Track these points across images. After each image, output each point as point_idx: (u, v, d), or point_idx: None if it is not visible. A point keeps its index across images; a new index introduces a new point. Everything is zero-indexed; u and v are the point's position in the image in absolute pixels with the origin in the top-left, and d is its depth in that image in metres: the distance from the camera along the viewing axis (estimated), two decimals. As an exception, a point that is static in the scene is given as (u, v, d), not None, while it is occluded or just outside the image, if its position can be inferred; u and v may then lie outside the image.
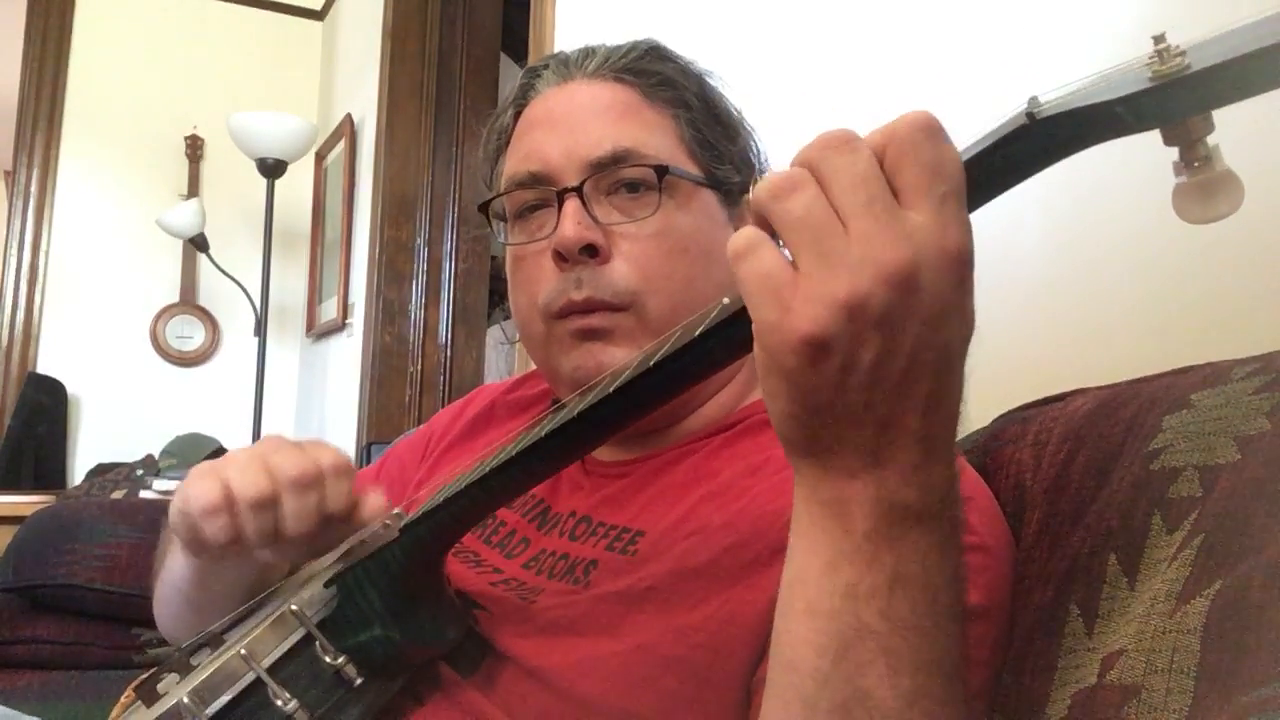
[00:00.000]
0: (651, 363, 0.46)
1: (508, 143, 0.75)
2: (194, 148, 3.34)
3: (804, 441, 0.39)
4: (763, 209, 0.38)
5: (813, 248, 0.36)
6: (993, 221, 0.91)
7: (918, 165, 0.36)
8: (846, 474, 0.39)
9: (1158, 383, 0.58)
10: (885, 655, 0.39)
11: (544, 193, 0.70)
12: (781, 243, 0.38)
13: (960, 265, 0.37)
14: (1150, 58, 0.34)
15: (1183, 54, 0.33)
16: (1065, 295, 0.85)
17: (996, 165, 0.38)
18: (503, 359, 3.26)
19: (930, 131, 0.36)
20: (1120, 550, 0.50)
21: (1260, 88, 0.32)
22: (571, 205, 0.67)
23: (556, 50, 0.79)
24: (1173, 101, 0.34)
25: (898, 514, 0.39)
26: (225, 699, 0.55)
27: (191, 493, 0.57)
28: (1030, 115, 0.37)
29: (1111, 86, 0.35)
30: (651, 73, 0.72)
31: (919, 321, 0.36)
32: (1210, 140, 0.35)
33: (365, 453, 2.66)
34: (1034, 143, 0.37)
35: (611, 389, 0.48)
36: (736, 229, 0.73)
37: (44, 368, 3.12)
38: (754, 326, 0.38)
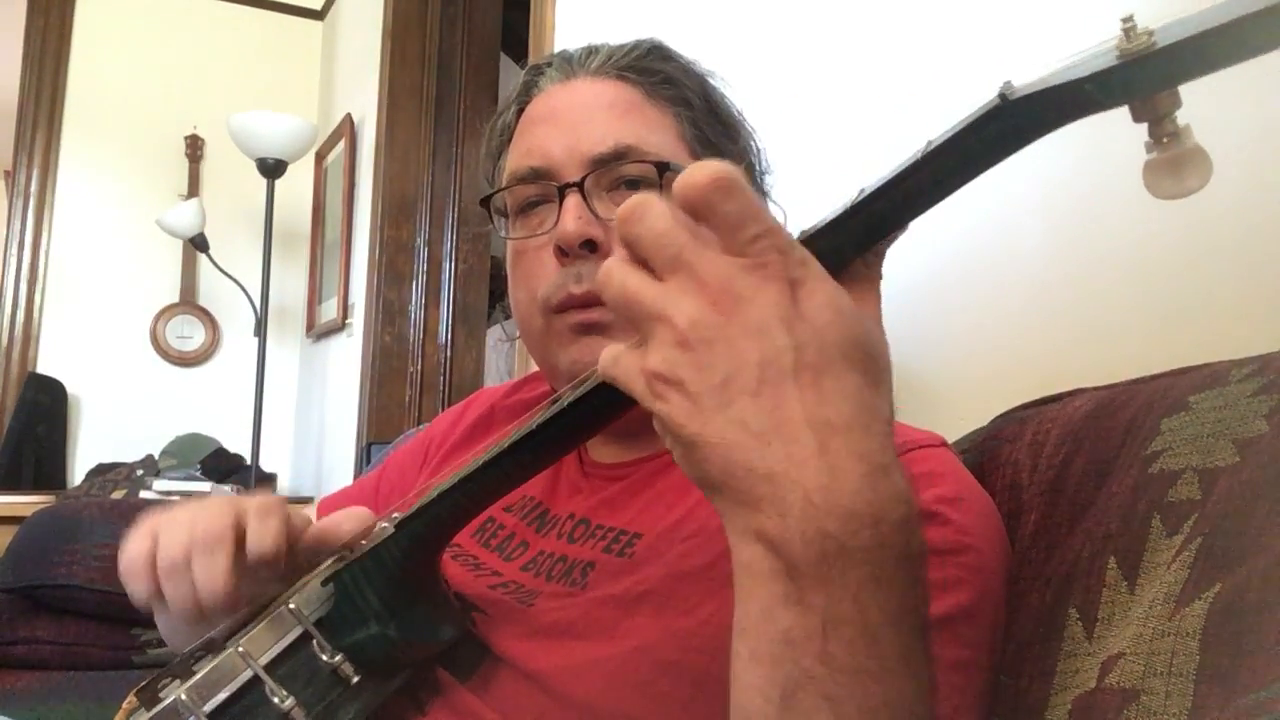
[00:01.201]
0: None
1: (510, 139, 0.75)
2: (194, 148, 3.34)
3: (701, 477, 0.38)
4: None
5: (639, 309, 0.39)
6: (993, 222, 0.91)
7: (719, 222, 0.38)
8: (750, 504, 0.37)
9: (1156, 384, 0.58)
10: (828, 701, 0.37)
11: (545, 188, 0.70)
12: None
13: (780, 282, 0.37)
14: (1118, 37, 0.35)
15: (1150, 33, 0.34)
16: (1065, 295, 0.85)
17: (973, 148, 0.38)
18: (503, 359, 3.25)
19: (722, 188, 0.37)
20: (1120, 553, 0.50)
21: (1223, 62, 0.33)
22: (572, 200, 0.67)
23: (557, 50, 0.79)
24: (1139, 77, 0.35)
25: (817, 547, 0.36)
26: (223, 696, 0.55)
27: (126, 551, 0.60)
28: (1003, 96, 0.37)
29: (1081, 66, 0.36)
30: (654, 71, 0.72)
31: (752, 332, 0.37)
32: (1179, 117, 0.36)
33: (365, 453, 2.66)
34: (1007, 123, 0.38)
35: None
36: None
37: (44, 368, 3.12)
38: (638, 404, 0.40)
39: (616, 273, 0.39)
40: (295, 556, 0.61)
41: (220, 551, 0.57)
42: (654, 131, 0.70)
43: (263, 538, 0.58)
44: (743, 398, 0.36)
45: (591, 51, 0.74)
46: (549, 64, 0.75)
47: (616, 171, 0.68)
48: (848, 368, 0.37)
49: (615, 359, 0.41)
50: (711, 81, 0.76)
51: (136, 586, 0.59)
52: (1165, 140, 0.36)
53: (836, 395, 0.37)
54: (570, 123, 0.70)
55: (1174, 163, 0.36)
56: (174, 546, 0.58)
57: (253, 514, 0.59)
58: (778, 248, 0.37)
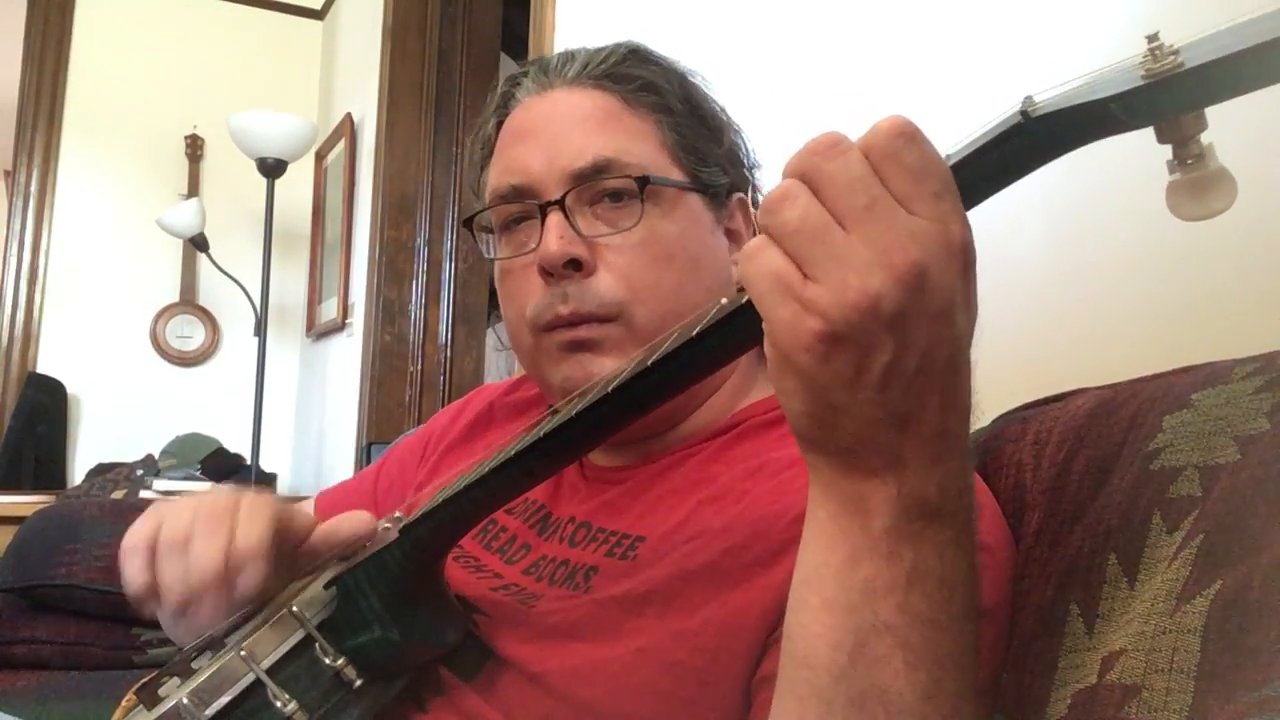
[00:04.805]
0: (650, 362, 0.46)
1: (491, 152, 0.74)
2: (194, 147, 3.34)
3: (822, 439, 0.40)
4: (761, 226, 0.38)
5: (815, 250, 0.36)
6: (993, 221, 0.91)
7: (902, 171, 0.36)
8: (866, 472, 0.39)
9: (1158, 382, 0.58)
10: (902, 650, 0.40)
11: (527, 206, 0.69)
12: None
13: (964, 257, 0.37)
14: (1144, 56, 0.34)
15: (1175, 52, 0.33)
16: (1065, 295, 0.85)
17: (992, 164, 0.38)
18: (503, 359, 3.26)
19: (907, 136, 0.36)
20: (1120, 550, 0.50)
21: (1250, 85, 0.33)
22: (554, 219, 0.67)
23: (555, 51, 0.79)
24: (1165, 99, 0.34)
25: (917, 510, 0.39)
26: (225, 700, 0.55)
27: (130, 532, 0.61)
28: (1025, 113, 0.37)
29: (1105, 84, 0.35)
30: (632, 78, 0.71)
31: (929, 319, 0.36)
32: (1204, 138, 0.35)
33: (365, 453, 2.66)
34: (1029, 141, 0.37)
35: (610, 389, 0.48)
36: (726, 229, 0.73)
37: (44, 368, 3.12)
38: (765, 325, 0.38)
39: (802, 200, 0.36)
40: (298, 558, 0.61)
41: (218, 535, 0.58)
42: (634, 141, 0.69)
43: (247, 534, 0.58)
44: (902, 380, 0.37)
45: (568, 58, 0.73)
46: (525, 74, 0.74)
47: (597, 186, 0.67)
48: (969, 355, 0.40)
49: (787, 303, 0.37)
50: (693, 82, 0.74)
51: (133, 564, 0.59)
52: (1190, 162, 0.35)
53: (964, 384, 0.39)
54: (548, 137, 0.69)
55: (1197, 184, 0.36)
56: (176, 528, 0.59)
57: (244, 510, 0.60)
58: (958, 210, 0.37)
